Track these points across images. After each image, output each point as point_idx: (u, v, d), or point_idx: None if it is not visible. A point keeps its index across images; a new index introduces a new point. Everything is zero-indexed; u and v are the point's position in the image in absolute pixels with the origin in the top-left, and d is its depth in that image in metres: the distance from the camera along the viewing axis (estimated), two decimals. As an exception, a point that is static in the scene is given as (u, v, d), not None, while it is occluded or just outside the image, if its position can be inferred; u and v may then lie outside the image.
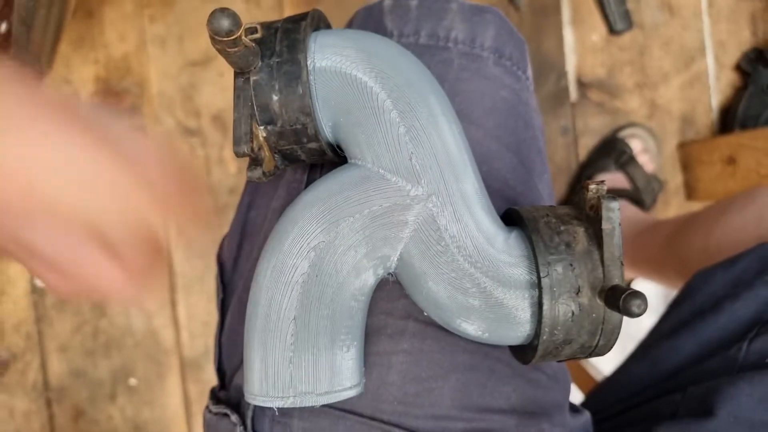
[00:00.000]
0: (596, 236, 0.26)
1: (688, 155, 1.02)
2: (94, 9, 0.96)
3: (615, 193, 0.95)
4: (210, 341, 1.04)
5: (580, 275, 0.26)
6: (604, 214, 0.25)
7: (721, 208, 0.65)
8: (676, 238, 0.72)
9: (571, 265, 0.26)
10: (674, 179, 1.04)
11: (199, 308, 1.04)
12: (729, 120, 1.02)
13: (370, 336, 0.32)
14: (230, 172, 1.02)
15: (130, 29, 0.97)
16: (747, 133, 0.92)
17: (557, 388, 0.34)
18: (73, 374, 1.03)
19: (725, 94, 1.04)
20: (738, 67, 1.04)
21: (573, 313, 0.26)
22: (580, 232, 0.26)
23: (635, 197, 0.96)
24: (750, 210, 0.59)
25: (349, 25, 0.39)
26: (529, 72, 0.39)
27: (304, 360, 0.26)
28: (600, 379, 0.63)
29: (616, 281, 0.25)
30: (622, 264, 0.25)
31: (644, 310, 0.22)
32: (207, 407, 0.39)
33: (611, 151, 0.99)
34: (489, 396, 0.31)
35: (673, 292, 0.84)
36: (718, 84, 1.04)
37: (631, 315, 0.22)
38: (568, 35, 1.03)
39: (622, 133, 1.00)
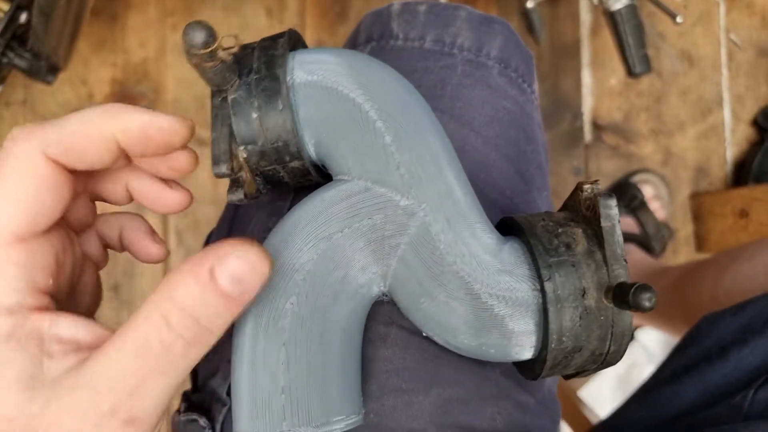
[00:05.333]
0: (596, 236, 0.25)
1: (700, 206, 1.00)
2: (119, 13, 0.98)
3: (624, 238, 0.93)
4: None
5: (584, 276, 0.24)
6: (603, 211, 0.24)
7: (731, 255, 0.63)
8: (684, 284, 0.70)
9: (573, 266, 0.24)
10: (685, 229, 1.02)
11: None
12: (743, 173, 1.01)
13: (350, 341, 0.30)
14: (236, 185, 1.01)
15: (151, 36, 0.98)
16: (761, 186, 0.90)
17: (546, 415, 0.32)
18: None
19: (741, 148, 1.03)
20: (755, 122, 1.03)
21: (580, 317, 0.24)
22: (579, 233, 0.25)
23: (644, 243, 0.94)
24: (760, 259, 0.57)
25: (357, 29, 0.39)
26: (535, 86, 0.38)
27: (296, 389, 0.24)
28: (595, 422, 0.60)
29: (622, 279, 0.24)
30: (625, 261, 0.24)
31: (655, 304, 0.21)
32: (177, 410, 0.37)
33: (623, 195, 0.97)
34: (472, 415, 0.29)
35: (676, 341, 0.81)
36: (734, 137, 1.04)
37: (643, 309, 0.21)
38: (587, 77, 1.03)
39: (635, 178, 0.99)
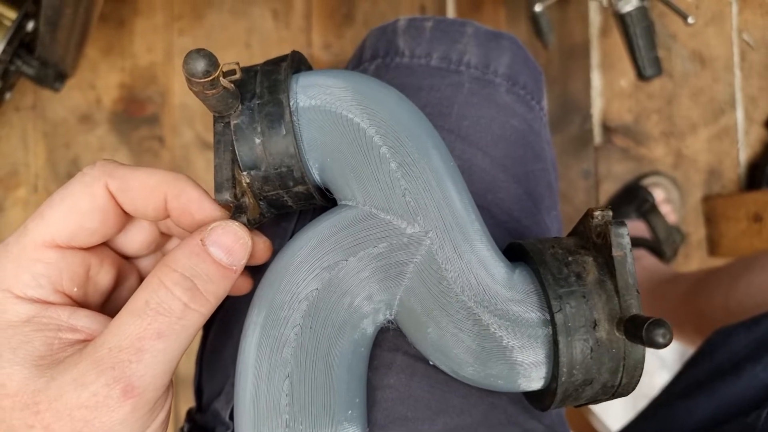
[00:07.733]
0: (606, 265, 0.24)
1: (712, 209, 0.99)
2: (126, 18, 0.98)
3: (634, 242, 0.92)
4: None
5: (595, 307, 0.24)
6: (614, 240, 0.23)
7: (744, 264, 0.62)
8: (696, 292, 0.69)
9: (584, 296, 0.24)
10: (697, 233, 1.01)
11: (200, 324, 1.02)
12: (757, 176, 0.99)
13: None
14: (244, 189, 1.01)
15: (159, 40, 0.98)
16: (776, 190, 0.89)
17: (555, 441, 0.32)
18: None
19: (754, 150, 1.02)
20: (768, 124, 1.02)
21: (591, 350, 0.23)
22: (590, 261, 0.24)
23: (655, 248, 0.93)
24: (775, 269, 0.56)
25: (362, 45, 0.38)
26: (544, 103, 0.37)
27: (300, 423, 0.24)
28: (605, 436, 0.60)
29: (634, 311, 0.23)
30: (638, 292, 0.23)
31: (670, 340, 0.20)
32: (181, 428, 0.37)
33: (633, 198, 0.96)
34: (479, 443, 0.29)
35: (689, 350, 0.80)
36: (747, 139, 1.02)
37: (656, 345, 0.20)
38: (596, 79, 1.01)
39: (646, 181, 0.98)
